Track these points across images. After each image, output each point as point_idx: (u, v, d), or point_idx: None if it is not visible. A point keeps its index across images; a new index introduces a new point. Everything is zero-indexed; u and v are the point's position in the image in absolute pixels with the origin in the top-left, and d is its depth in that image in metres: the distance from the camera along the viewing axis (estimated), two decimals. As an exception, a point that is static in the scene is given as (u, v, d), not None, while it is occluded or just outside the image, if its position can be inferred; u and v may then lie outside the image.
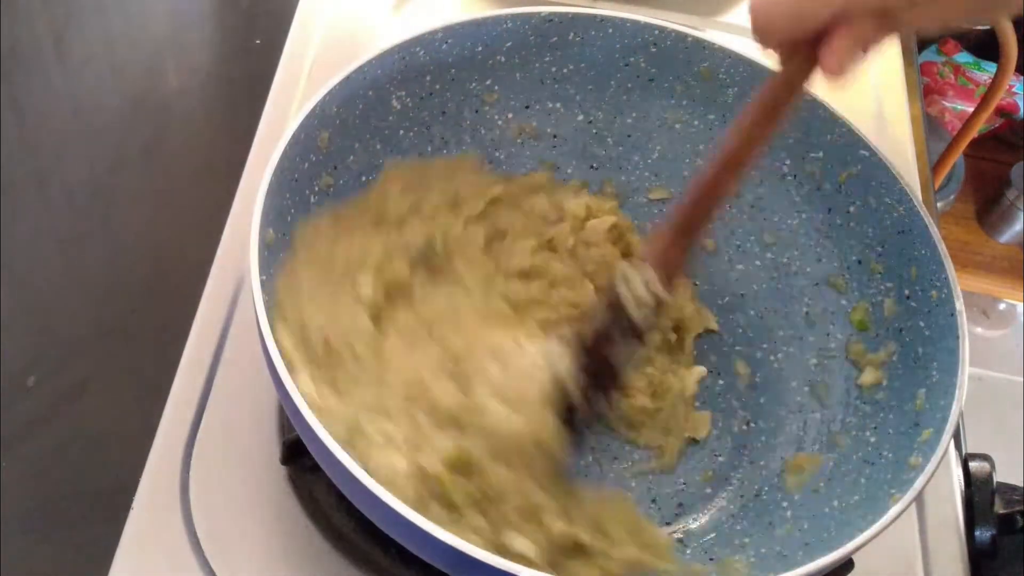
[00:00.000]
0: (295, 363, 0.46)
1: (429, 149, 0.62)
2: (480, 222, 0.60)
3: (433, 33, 0.57)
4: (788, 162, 0.61)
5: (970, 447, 0.61)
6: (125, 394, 0.65)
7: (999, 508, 0.57)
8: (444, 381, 0.50)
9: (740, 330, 0.62)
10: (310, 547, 0.53)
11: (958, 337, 0.48)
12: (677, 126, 0.64)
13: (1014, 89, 1.41)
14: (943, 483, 0.58)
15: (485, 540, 0.44)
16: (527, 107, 0.64)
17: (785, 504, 0.52)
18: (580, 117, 0.65)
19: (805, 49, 0.41)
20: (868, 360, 0.55)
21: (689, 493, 0.56)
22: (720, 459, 0.58)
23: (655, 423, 0.57)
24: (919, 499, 0.55)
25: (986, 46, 1.40)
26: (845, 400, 0.55)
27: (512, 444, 0.47)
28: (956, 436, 0.61)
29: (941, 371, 0.49)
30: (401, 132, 0.60)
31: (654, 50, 0.62)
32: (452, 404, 0.48)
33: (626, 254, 0.62)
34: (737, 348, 0.62)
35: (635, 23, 0.61)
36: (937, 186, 1.30)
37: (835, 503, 0.49)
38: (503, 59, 0.62)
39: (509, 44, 0.61)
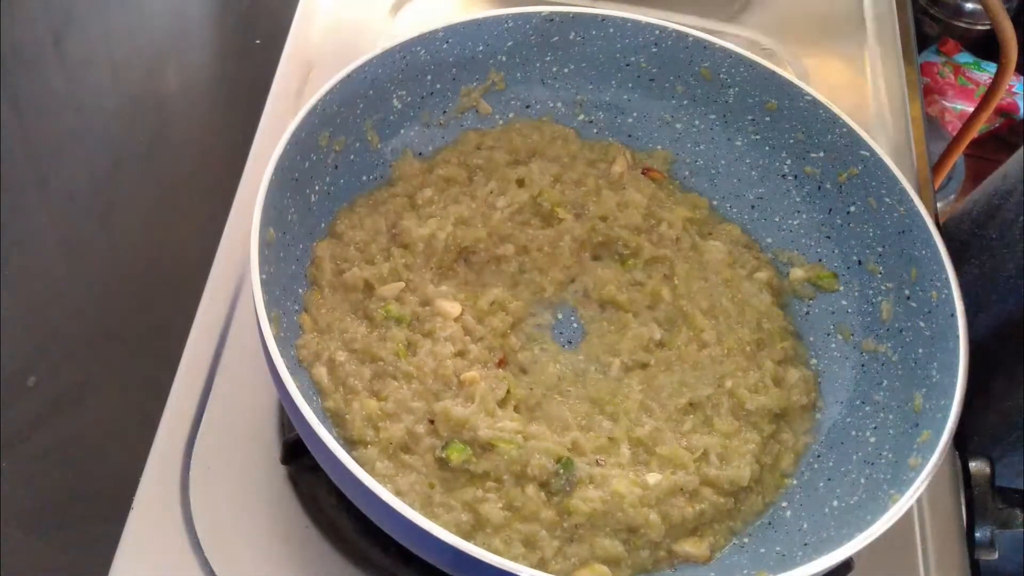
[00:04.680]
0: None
1: (431, 148, 0.62)
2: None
3: (434, 33, 0.58)
4: (788, 162, 0.61)
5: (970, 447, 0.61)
6: (125, 394, 0.65)
7: (999, 506, 0.57)
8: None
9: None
10: (310, 547, 0.53)
11: (958, 338, 0.48)
12: (678, 126, 0.64)
13: (1014, 89, 1.41)
14: (943, 483, 0.58)
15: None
16: (528, 107, 0.64)
17: (785, 504, 0.52)
18: (581, 117, 0.65)
19: None
20: (872, 358, 0.55)
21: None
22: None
23: None
24: (919, 499, 0.55)
25: (986, 46, 1.40)
26: (845, 401, 0.55)
27: None
28: (956, 436, 0.61)
29: (941, 372, 0.49)
30: (402, 131, 0.61)
31: (655, 50, 0.62)
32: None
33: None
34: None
35: (636, 23, 0.61)
36: (937, 186, 1.29)
37: (835, 503, 0.49)
38: (504, 59, 0.62)
39: (510, 44, 0.61)
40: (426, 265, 0.57)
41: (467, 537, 0.46)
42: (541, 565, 0.46)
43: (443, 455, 0.49)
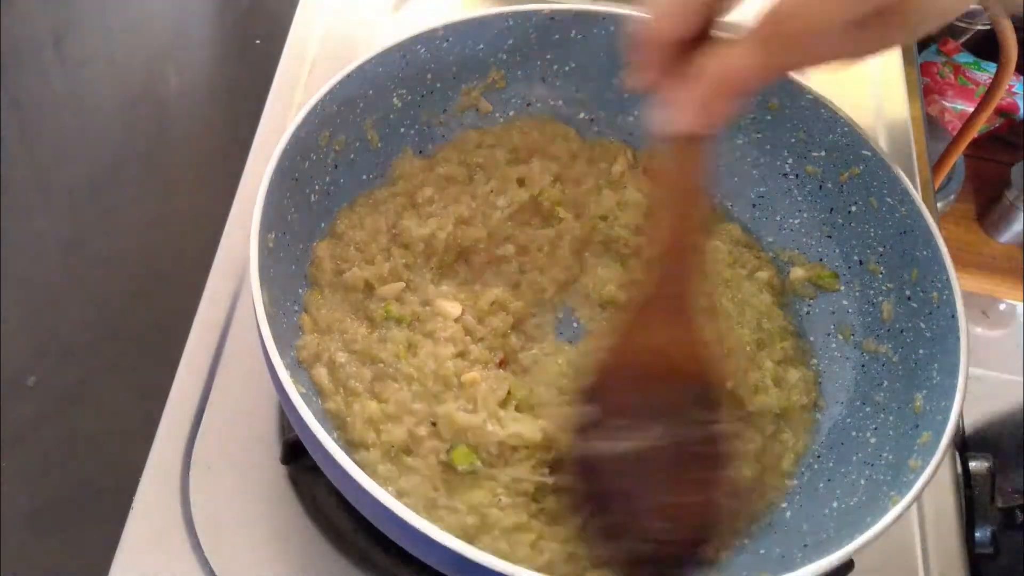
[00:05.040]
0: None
1: (431, 147, 0.62)
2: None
3: (434, 31, 0.57)
4: (790, 161, 0.61)
5: (970, 447, 0.61)
6: (125, 394, 0.65)
7: (999, 504, 0.57)
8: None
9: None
10: (310, 547, 0.53)
11: (959, 339, 0.48)
12: (678, 126, 0.64)
13: (1014, 89, 1.41)
14: (943, 483, 0.58)
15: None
16: (529, 105, 0.64)
17: (785, 505, 0.52)
18: (582, 115, 0.65)
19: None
20: (872, 359, 0.55)
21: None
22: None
23: None
24: (919, 499, 0.55)
25: (986, 46, 1.40)
26: (845, 401, 0.55)
27: None
28: (956, 436, 0.61)
29: (941, 373, 0.49)
30: (402, 130, 0.60)
31: (655, 50, 0.62)
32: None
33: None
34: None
35: (637, 21, 0.61)
36: (937, 186, 1.29)
37: (835, 504, 0.49)
38: (505, 57, 0.62)
39: (511, 42, 0.61)
40: (426, 265, 0.57)
41: (472, 540, 0.46)
42: (548, 568, 0.46)
43: (448, 459, 0.48)
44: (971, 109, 1.15)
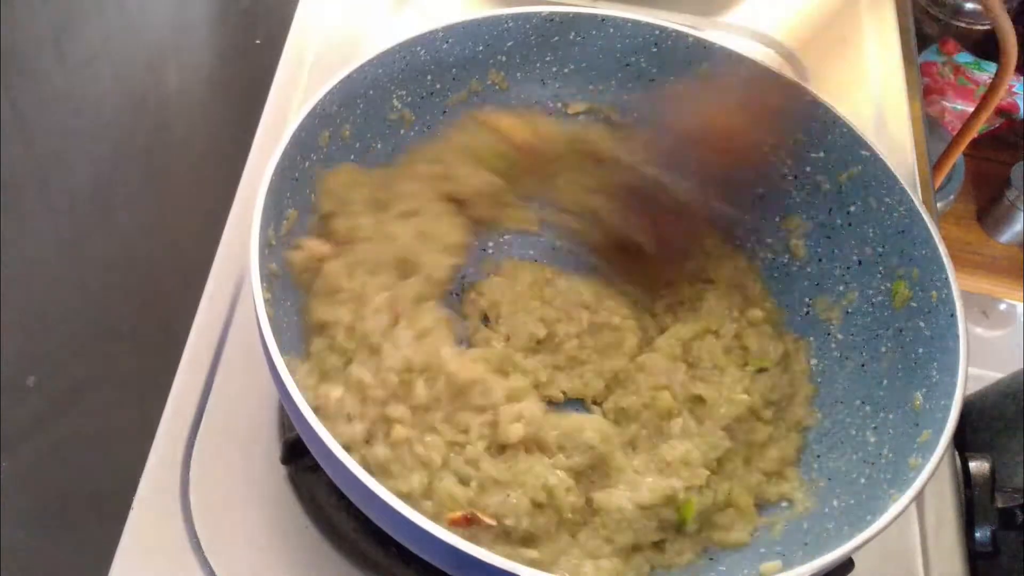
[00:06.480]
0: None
1: (430, 149, 0.62)
2: None
3: (434, 33, 0.58)
4: (788, 162, 0.61)
5: (970, 447, 0.61)
6: (125, 394, 0.65)
7: (999, 504, 0.57)
8: None
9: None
10: (310, 547, 0.53)
11: (958, 338, 0.48)
12: (678, 126, 0.64)
13: (1014, 89, 1.40)
14: (943, 483, 0.58)
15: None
16: (528, 107, 0.64)
17: (784, 504, 0.52)
18: (581, 117, 0.65)
19: None
20: (872, 358, 0.55)
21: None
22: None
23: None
24: (919, 498, 0.55)
25: (986, 46, 1.40)
26: (845, 400, 0.55)
27: None
28: (956, 435, 0.61)
29: (941, 372, 0.49)
30: (402, 131, 0.61)
31: (655, 50, 0.62)
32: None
33: None
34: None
35: (636, 23, 0.61)
36: (937, 186, 1.29)
37: (835, 503, 0.49)
38: (504, 59, 0.62)
39: (510, 44, 0.61)
40: None
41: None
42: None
43: None
44: (971, 109, 1.14)
